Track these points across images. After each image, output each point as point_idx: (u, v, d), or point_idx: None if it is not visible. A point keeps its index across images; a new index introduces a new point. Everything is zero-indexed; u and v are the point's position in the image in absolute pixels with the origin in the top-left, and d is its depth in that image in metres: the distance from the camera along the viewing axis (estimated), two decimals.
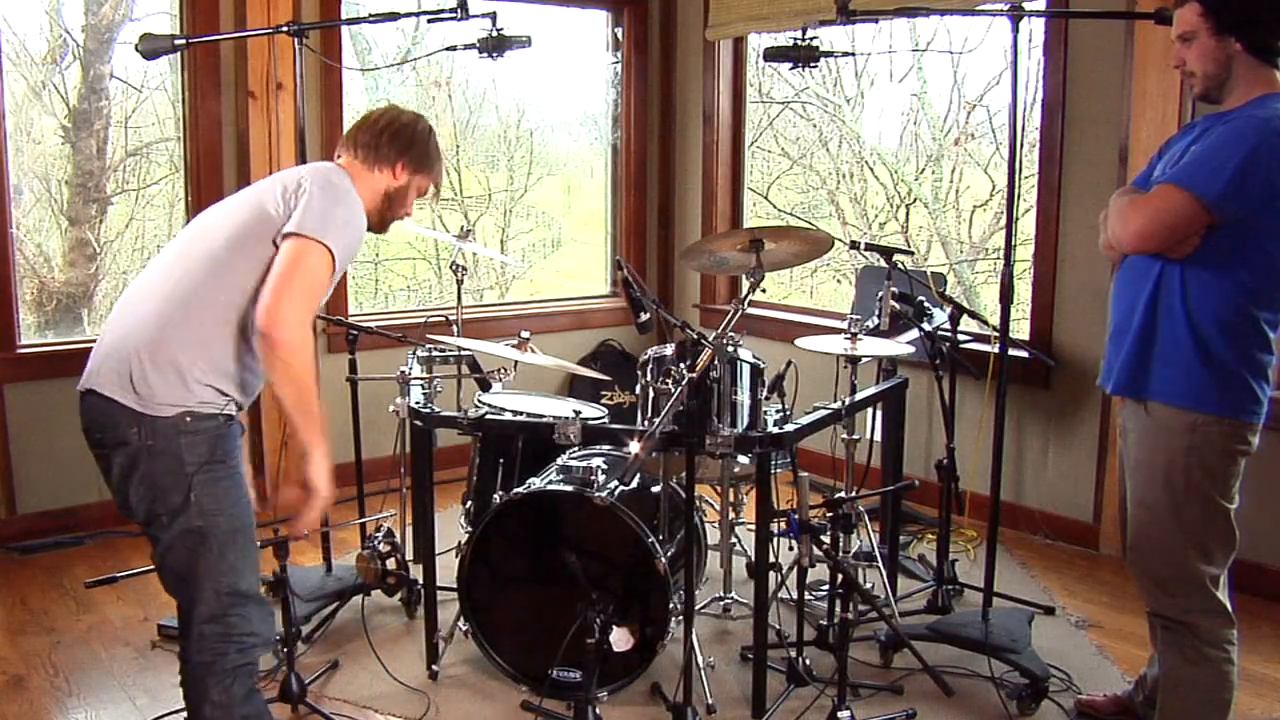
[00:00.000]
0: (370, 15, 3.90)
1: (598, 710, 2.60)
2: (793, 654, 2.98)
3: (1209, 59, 2.27)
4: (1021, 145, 3.06)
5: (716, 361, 2.69)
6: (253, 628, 2.20)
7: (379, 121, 2.44)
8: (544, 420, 2.99)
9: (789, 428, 2.88)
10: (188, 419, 2.09)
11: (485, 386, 3.56)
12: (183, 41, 3.22)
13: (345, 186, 2.28)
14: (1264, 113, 2.20)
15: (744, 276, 2.85)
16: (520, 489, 2.97)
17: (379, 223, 2.48)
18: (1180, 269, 2.28)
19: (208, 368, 2.11)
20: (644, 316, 2.70)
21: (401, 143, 2.42)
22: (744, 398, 2.94)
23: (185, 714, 2.25)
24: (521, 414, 3.11)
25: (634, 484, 3.05)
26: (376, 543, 3.18)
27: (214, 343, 2.13)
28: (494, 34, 3.33)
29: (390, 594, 3.43)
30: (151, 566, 2.22)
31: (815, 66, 3.22)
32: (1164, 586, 2.40)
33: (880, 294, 3.44)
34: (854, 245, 3.84)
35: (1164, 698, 2.47)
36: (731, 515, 3.40)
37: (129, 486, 2.11)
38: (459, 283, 3.78)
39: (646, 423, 2.97)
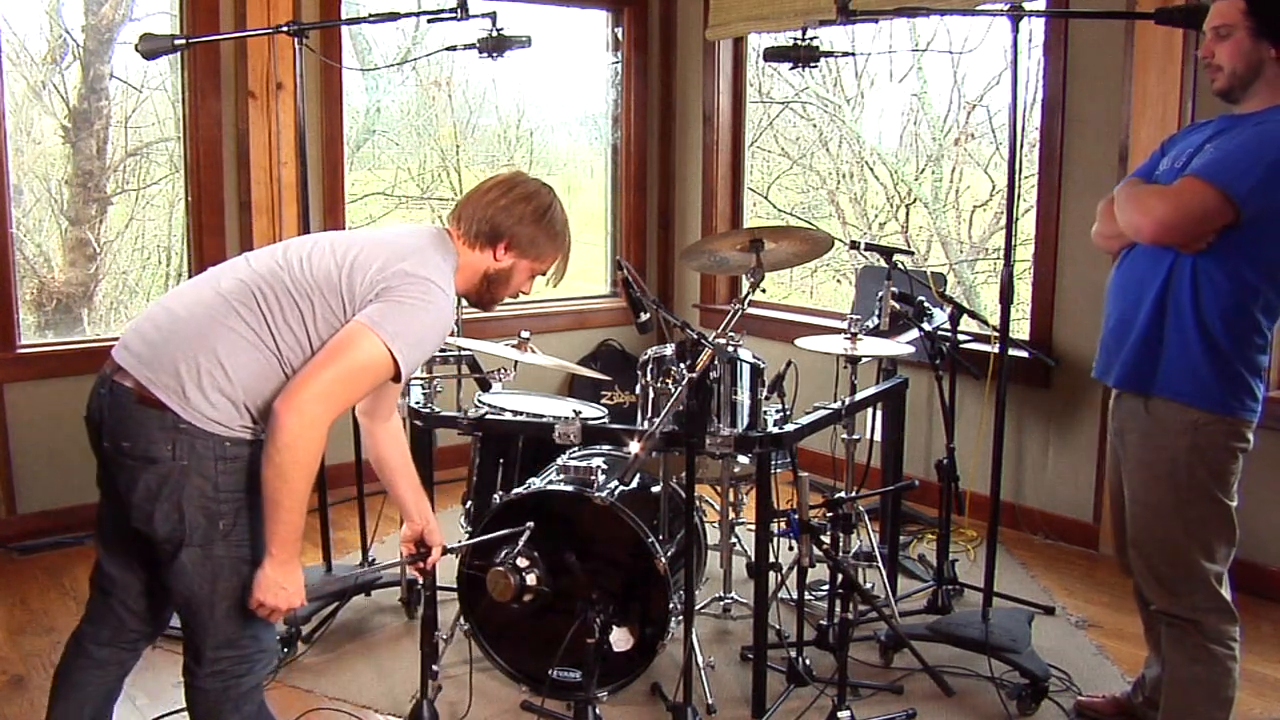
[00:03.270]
0: (370, 15, 3.90)
1: (598, 710, 2.60)
2: (793, 654, 2.98)
3: (1241, 58, 2.25)
4: (1021, 145, 3.07)
5: (716, 361, 2.69)
6: (262, 645, 2.11)
7: (489, 194, 2.21)
8: (544, 420, 2.99)
9: (789, 428, 2.88)
10: (228, 444, 1.97)
11: (485, 386, 3.56)
12: (183, 41, 3.22)
13: (437, 283, 2.05)
14: None
15: (744, 276, 2.85)
16: (520, 489, 2.97)
17: (477, 301, 2.28)
18: (1191, 265, 2.27)
19: (256, 400, 1.99)
20: (644, 316, 2.70)
21: (508, 222, 2.19)
22: (744, 398, 2.93)
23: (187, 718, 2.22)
24: (521, 414, 3.11)
25: (634, 484, 3.05)
26: (512, 556, 2.75)
27: (269, 381, 2.00)
28: (494, 34, 3.33)
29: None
30: None
31: (815, 66, 3.22)
32: (1168, 585, 2.40)
33: (880, 294, 3.44)
34: (854, 245, 3.84)
35: (1168, 695, 2.47)
36: (731, 515, 3.40)
37: (154, 506, 1.97)
38: None
39: (646, 423, 2.97)
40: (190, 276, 4.39)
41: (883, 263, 3.46)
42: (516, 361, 3.20)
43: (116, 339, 2.10)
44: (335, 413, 1.96)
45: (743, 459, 3.17)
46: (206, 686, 2.08)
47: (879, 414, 3.54)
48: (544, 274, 2.29)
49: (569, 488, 2.90)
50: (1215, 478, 2.32)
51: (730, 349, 2.80)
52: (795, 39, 3.15)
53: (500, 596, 2.63)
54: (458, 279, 2.21)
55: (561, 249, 2.28)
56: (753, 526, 2.92)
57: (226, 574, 2.02)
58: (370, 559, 3.64)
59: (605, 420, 3.08)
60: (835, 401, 3.09)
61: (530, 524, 2.68)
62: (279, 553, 1.97)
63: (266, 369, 2.00)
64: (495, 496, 3.04)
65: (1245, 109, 2.30)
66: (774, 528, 2.83)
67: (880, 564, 3.51)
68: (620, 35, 5.56)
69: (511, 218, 2.19)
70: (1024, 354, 4.11)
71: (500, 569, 2.74)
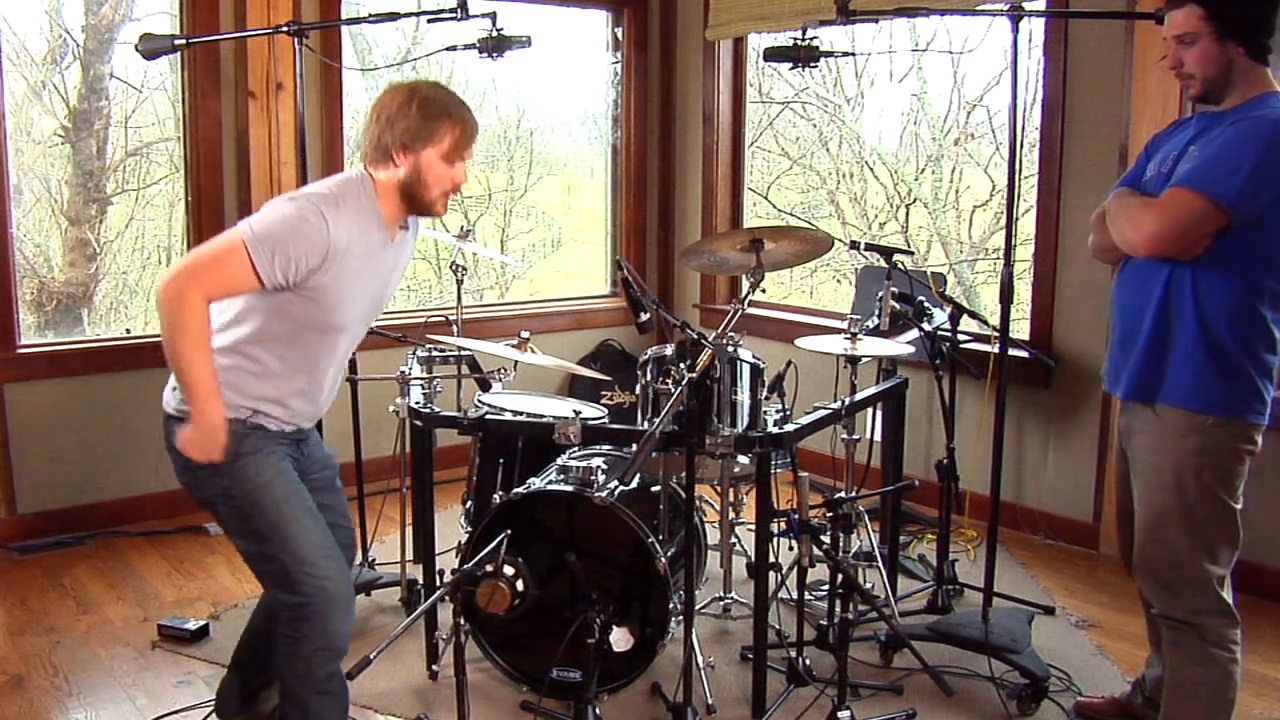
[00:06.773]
0: (370, 15, 3.89)
1: (598, 710, 2.60)
2: (793, 654, 2.98)
3: (1211, 63, 2.26)
4: (1021, 145, 3.06)
5: (716, 361, 2.69)
6: (318, 577, 2.37)
7: (370, 128, 2.36)
8: (544, 420, 2.98)
9: (789, 428, 2.88)
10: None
11: (485, 386, 3.56)
12: (183, 41, 3.22)
13: (309, 195, 2.27)
14: (1272, 113, 2.19)
15: (744, 276, 2.85)
16: (520, 489, 2.97)
17: (413, 209, 2.41)
18: (1191, 271, 2.27)
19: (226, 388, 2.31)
20: (644, 316, 2.70)
21: (388, 134, 2.31)
22: (744, 398, 2.93)
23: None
24: (521, 414, 3.11)
25: (634, 484, 3.05)
26: (498, 565, 2.53)
27: (230, 370, 2.31)
28: (494, 34, 3.33)
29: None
30: None
31: (815, 66, 3.22)
32: (1171, 588, 2.39)
33: (880, 294, 3.43)
34: (854, 245, 3.84)
35: (1169, 697, 2.47)
36: (731, 515, 3.40)
37: (180, 479, 2.40)
38: (459, 283, 3.77)
39: (646, 423, 2.97)
40: None
41: (883, 263, 3.46)
42: (516, 361, 3.20)
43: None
44: (201, 289, 2.19)
45: (743, 459, 3.17)
46: (282, 632, 2.46)
47: (879, 414, 3.54)
48: (457, 154, 2.36)
49: (569, 488, 2.90)
50: (1221, 481, 2.32)
51: (730, 349, 2.79)
52: (795, 39, 3.15)
53: (496, 609, 2.55)
54: (388, 204, 2.38)
55: (449, 121, 2.33)
56: (753, 526, 2.92)
57: (251, 518, 2.35)
58: (370, 559, 3.64)
59: (605, 420, 3.08)
60: (835, 401, 3.09)
61: (508, 531, 2.53)
62: (195, 403, 2.23)
63: (225, 356, 2.32)
64: (495, 496, 3.04)
65: (1224, 107, 2.31)
66: (774, 528, 2.82)
67: (880, 564, 3.51)
68: (620, 35, 5.56)
69: (389, 129, 2.31)
70: (1024, 354, 4.11)
71: (489, 582, 2.52)
